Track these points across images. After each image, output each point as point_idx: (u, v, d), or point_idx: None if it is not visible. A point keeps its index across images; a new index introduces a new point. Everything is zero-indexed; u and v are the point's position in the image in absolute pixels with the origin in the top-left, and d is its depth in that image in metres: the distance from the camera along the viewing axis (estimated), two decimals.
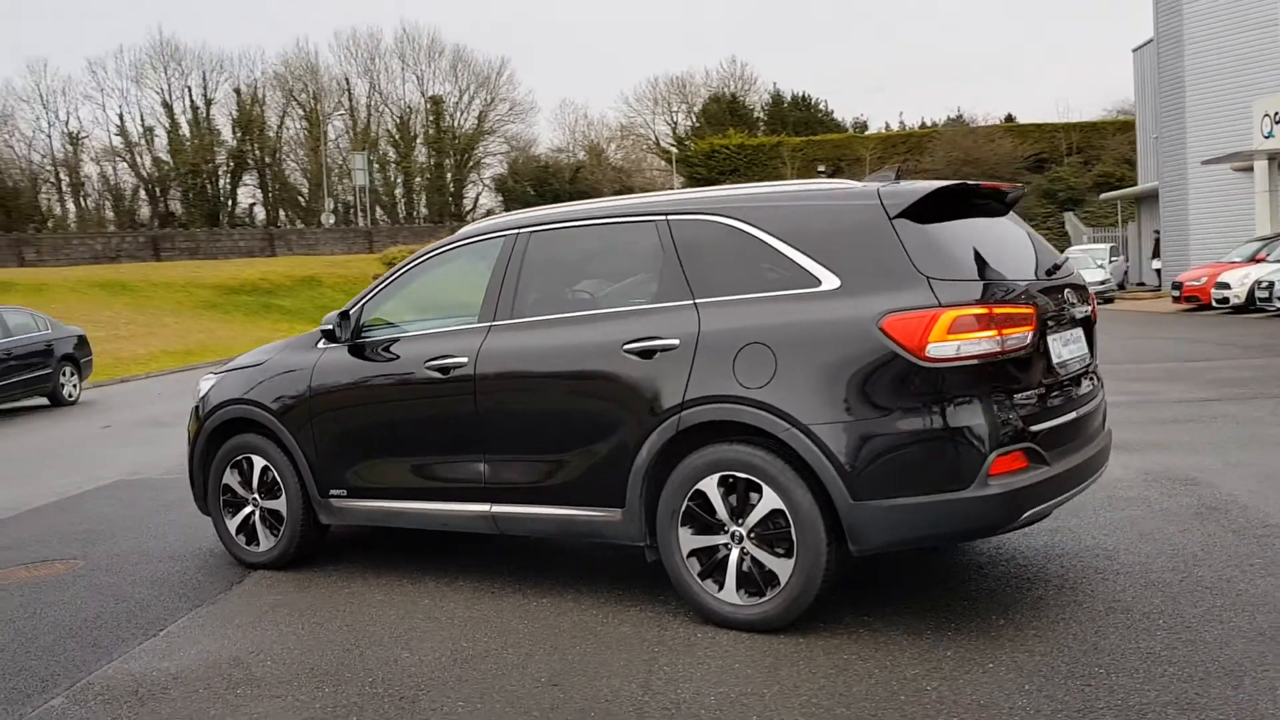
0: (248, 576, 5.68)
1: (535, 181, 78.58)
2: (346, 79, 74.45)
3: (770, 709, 3.56)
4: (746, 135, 70.61)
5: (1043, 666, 3.77)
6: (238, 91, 71.62)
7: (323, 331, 5.51)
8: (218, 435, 5.93)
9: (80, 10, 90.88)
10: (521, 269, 5.02)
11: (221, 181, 72.03)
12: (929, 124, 70.93)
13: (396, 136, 76.26)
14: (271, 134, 74.19)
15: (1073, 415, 4.42)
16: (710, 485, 4.34)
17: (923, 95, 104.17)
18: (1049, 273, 4.56)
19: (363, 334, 5.46)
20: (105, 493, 8.60)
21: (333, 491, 5.49)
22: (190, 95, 70.46)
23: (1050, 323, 4.35)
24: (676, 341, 4.43)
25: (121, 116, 75.70)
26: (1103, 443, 4.72)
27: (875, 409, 4.03)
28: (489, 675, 4.02)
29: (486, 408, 4.93)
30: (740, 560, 4.31)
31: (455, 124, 78.08)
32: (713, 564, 4.38)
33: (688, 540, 4.42)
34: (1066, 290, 4.57)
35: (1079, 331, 4.69)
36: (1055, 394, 4.32)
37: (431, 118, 77.03)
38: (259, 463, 5.75)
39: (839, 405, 4.08)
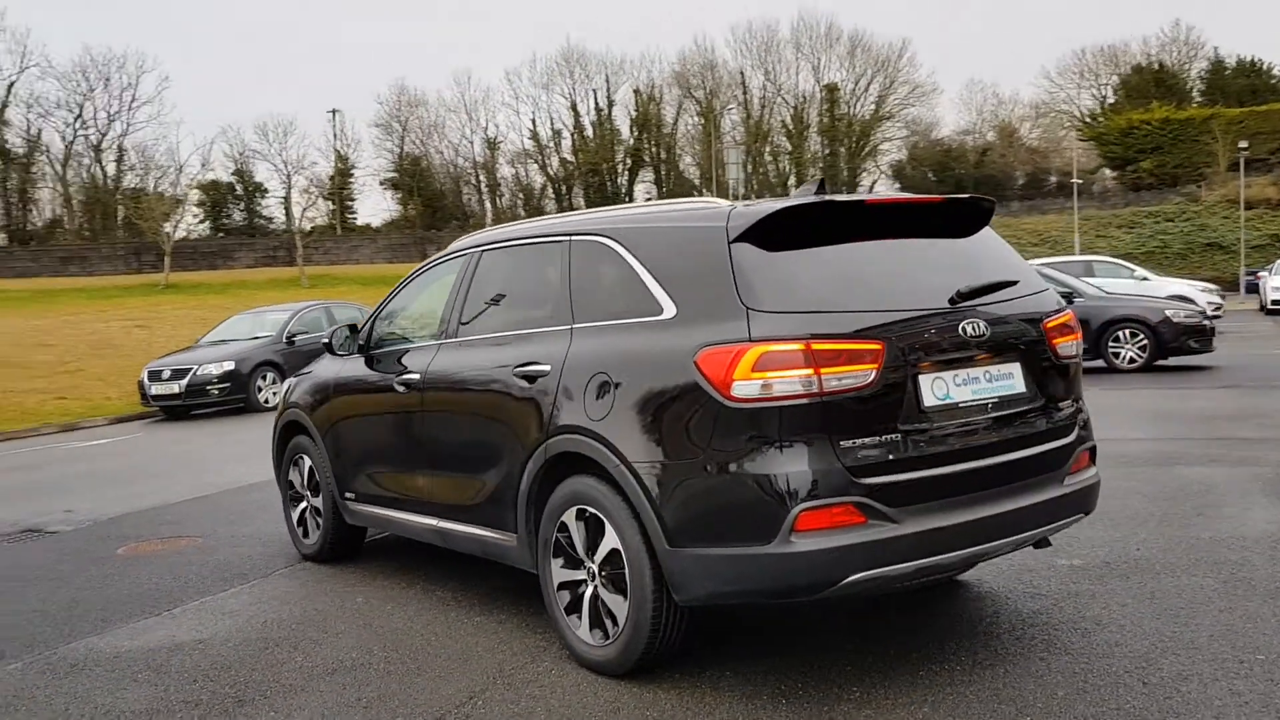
0: (302, 565, 6.38)
1: (936, 167, 76.46)
2: (741, 72, 76.89)
3: None
4: (1173, 108, 63.92)
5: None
6: (637, 92, 76.46)
7: (323, 343, 6.05)
8: (284, 434, 6.69)
9: (499, 26, 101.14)
10: (470, 287, 5.24)
11: (620, 178, 77.22)
12: None
13: (790, 127, 77.55)
14: (668, 130, 78.48)
15: (965, 466, 3.88)
16: (570, 518, 4.32)
17: None
18: (959, 299, 4.00)
19: (373, 346, 5.92)
20: None
21: (346, 494, 6.02)
22: (595, 98, 76.24)
23: (930, 359, 3.86)
24: (548, 368, 4.44)
25: (534, 121, 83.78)
26: (1043, 497, 4.07)
27: (689, 450, 3.82)
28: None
29: (428, 423, 5.21)
30: (594, 598, 4.26)
31: (851, 111, 77.90)
32: (575, 599, 4.36)
33: (557, 573, 4.42)
34: (982, 321, 3.99)
35: (1007, 368, 4.09)
36: (924, 441, 3.82)
37: (826, 106, 77.47)
38: (306, 462, 6.42)
39: (659, 444, 3.92)
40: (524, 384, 4.54)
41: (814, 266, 3.94)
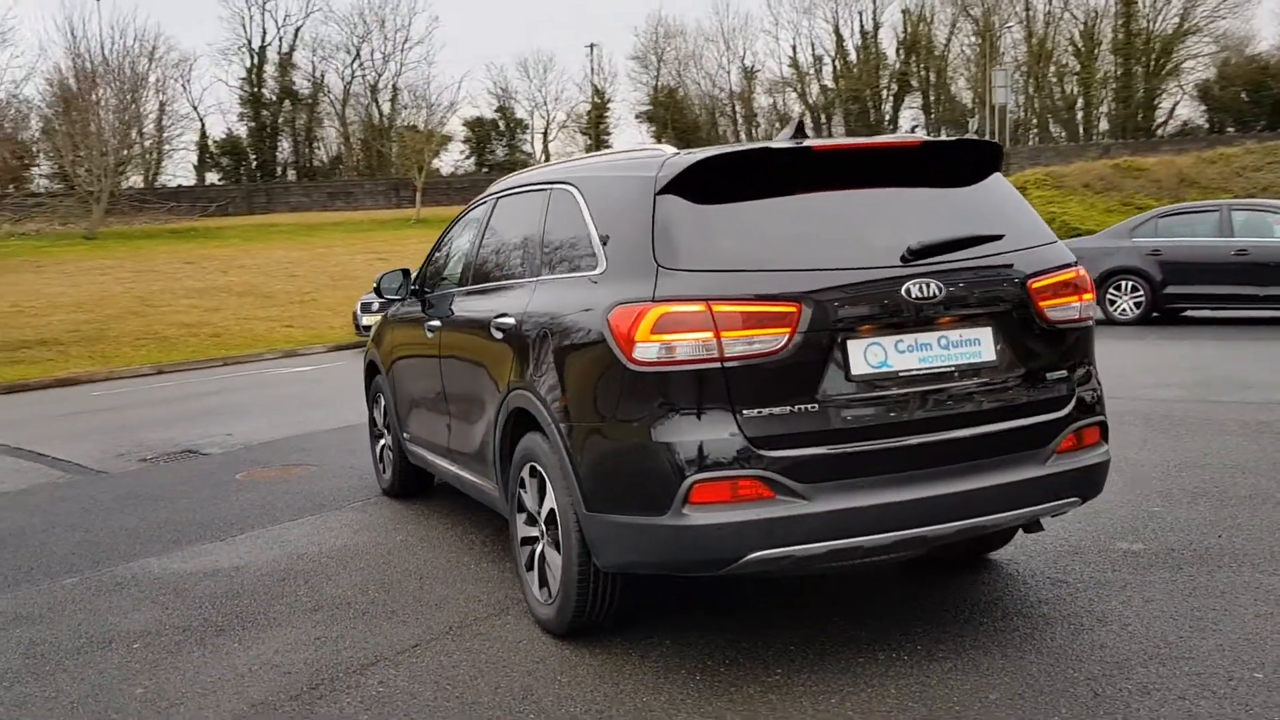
0: (376, 500, 6.75)
1: (1250, 86, 69.23)
2: None
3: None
4: None
5: None
6: (905, 12, 73.25)
7: (374, 286, 6.26)
8: (367, 373, 7.03)
9: None
10: (484, 234, 5.28)
11: (884, 105, 74.66)
12: None
13: (1079, 45, 72.19)
14: (938, 53, 74.91)
15: (900, 441, 3.57)
16: (526, 474, 4.33)
17: None
18: (912, 256, 3.65)
19: (425, 289, 6.07)
20: None
21: (405, 434, 6.28)
22: (860, 20, 73.83)
23: (866, 323, 3.56)
24: (513, 320, 4.44)
25: (794, 48, 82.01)
26: (1013, 478, 3.70)
27: (601, 413, 3.74)
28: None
29: (444, 369, 5.34)
30: (541, 556, 4.27)
31: (1150, 25, 71.51)
32: (531, 555, 4.38)
33: (520, 528, 4.46)
34: (935, 282, 3.62)
35: (973, 333, 3.71)
36: (849, 413, 3.54)
37: (1121, 21, 71.45)
38: (383, 400, 6.73)
39: (579, 405, 3.85)
40: (498, 335, 4.56)
41: (744, 221, 3.71)
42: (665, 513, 3.48)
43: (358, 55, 64.87)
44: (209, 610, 4.78)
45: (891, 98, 74.79)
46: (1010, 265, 3.82)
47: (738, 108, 75.51)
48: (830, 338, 3.53)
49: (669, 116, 70.93)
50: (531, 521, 4.34)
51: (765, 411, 3.48)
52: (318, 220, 45.88)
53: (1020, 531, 4.45)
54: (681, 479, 3.46)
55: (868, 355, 3.58)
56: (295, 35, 64.97)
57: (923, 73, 75.11)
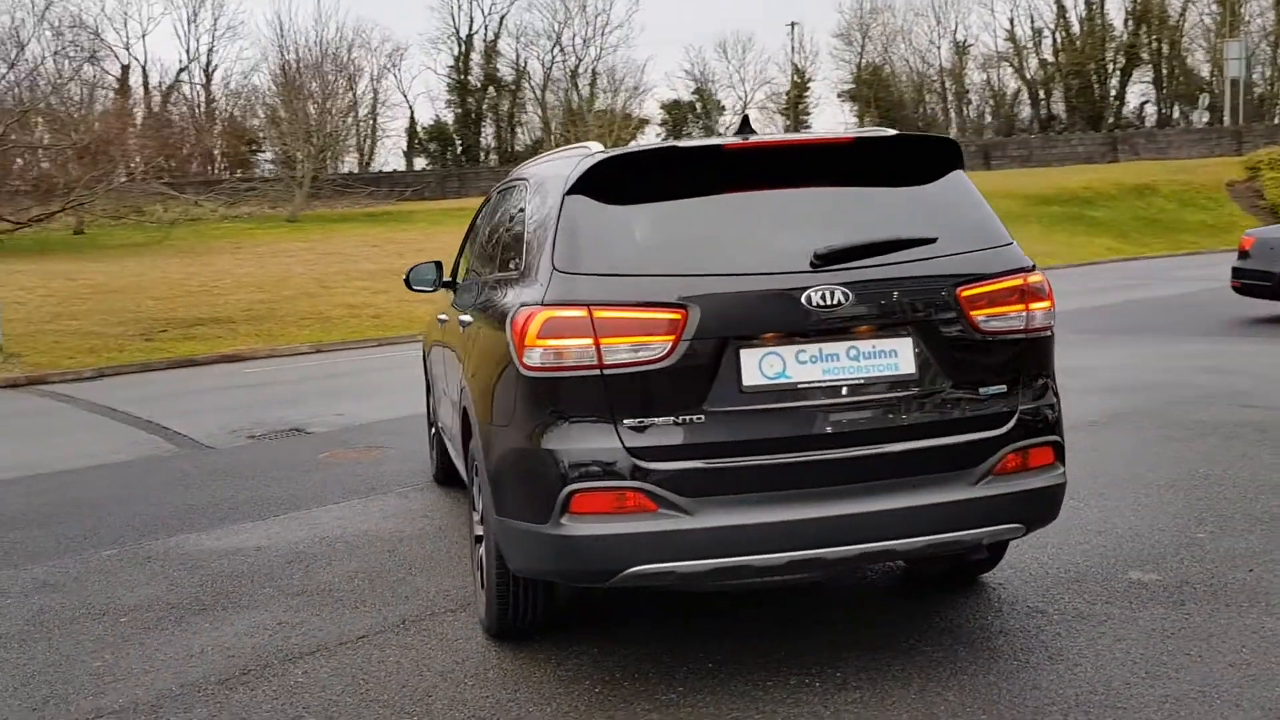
0: (428, 485, 6.96)
1: None
2: None
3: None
4: None
5: None
6: None
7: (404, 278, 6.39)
8: (423, 362, 7.24)
9: None
10: (478, 230, 5.35)
11: (1109, 79, 70.51)
12: None
13: None
14: (1173, 22, 70.11)
15: (796, 457, 3.40)
16: (474, 472, 4.37)
17: None
18: (820, 262, 3.46)
19: (453, 281, 6.17)
20: None
21: (439, 423, 6.44)
22: None
23: (761, 332, 3.41)
24: (469, 318, 4.49)
25: (1011, 20, 78.51)
26: (933, 500, 3.47)
27: (502, 416, 3.74)
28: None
29: (446, 363, 5.44)
30: (482, 556, 4.31)
31: None
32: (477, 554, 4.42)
33: (475, 525, 4.51)
34: (840, 289, 3.42)
35: (889, 344, 3.49)
36: (739, 425, 3.39)
37: None
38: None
39: (491, 407, 3.86)
40: (462, 331, 4.62)
41: (645, 223, 3.63)
42: (547, 521, 3.45)
43: (558, 41, 66.32)
44: (205, 589, 5.06)
45: (1118, 72, 70.51)
46: (939, 271, 3.57)
47: (948, 84, 72.97)
48: (720, 346, 3.40)
49: (873, 95, 69.27)
50: (482, 519, 4.39)
51: (648, 422, 3.39)
52: None
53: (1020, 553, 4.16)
54: (561, 488, 3.42)
55: (763, 365, 3.43)
56: (500, 23, 66.89)
57: (1154, 44, 70.42)
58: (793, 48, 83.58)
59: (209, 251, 27.12)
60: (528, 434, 3.52)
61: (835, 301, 3.42)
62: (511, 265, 4.20)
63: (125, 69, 54.95)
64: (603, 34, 68.80)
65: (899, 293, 3.52)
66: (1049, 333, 3.76)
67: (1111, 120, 66.59)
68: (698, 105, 70.71)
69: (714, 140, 3.72)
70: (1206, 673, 3.56)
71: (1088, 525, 5.20)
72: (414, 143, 64.74)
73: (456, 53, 65.13)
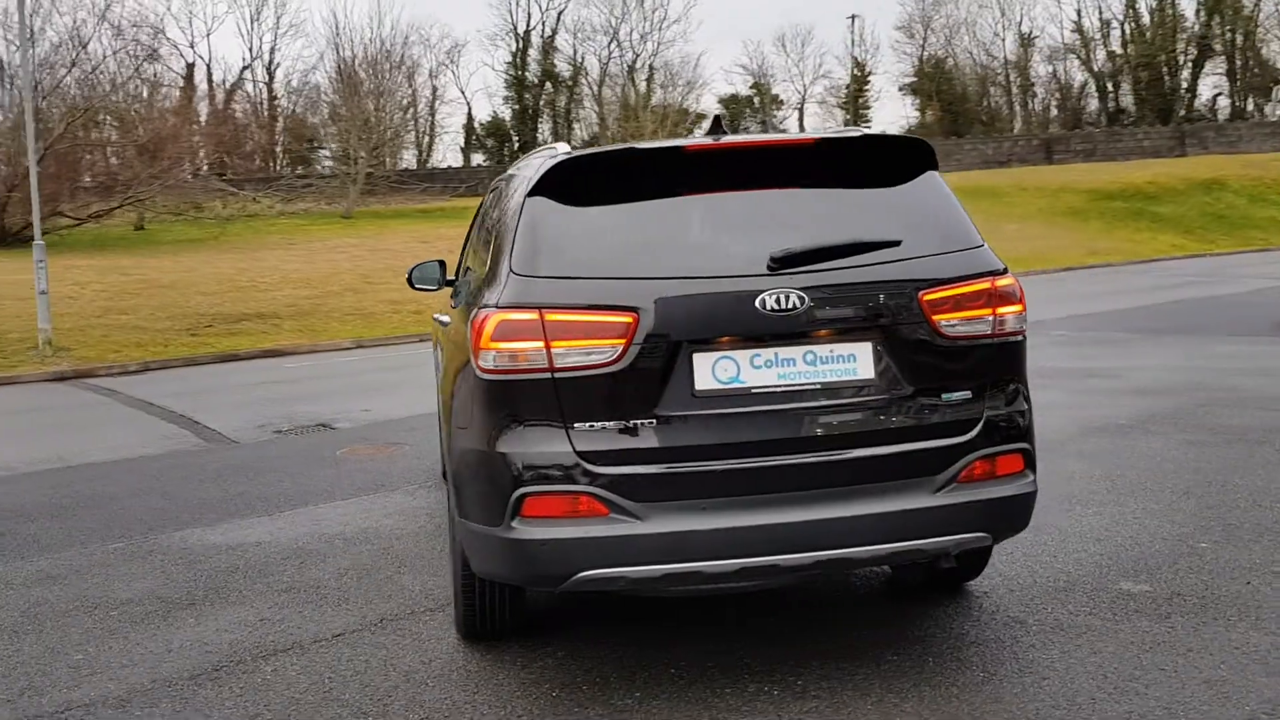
0: (437, 484, 7.01)
1: None
2: None
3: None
4: None
5: None
6: None
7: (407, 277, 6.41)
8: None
9: None
10: (475, 226, 5.36)
11: (1180, 71, 68.89)
12: None
13: None
14: (1247, 12, 68.30)
15: (749, 462, 3.36)
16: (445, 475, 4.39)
17: None
18: (776, 265, 3.41)
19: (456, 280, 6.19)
20: None
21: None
22: None
23: (716, 335, 3.38)
24: (448, 319, 4.50)
25: (1079, 12, 77.10)
26: (892, 507, 3.40)
27: (462, 418, 3.74)
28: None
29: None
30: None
31: None
32: None
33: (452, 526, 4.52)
34: (796, 293, 3.37)
35: (848, 348, 3.44)
36: (691, 430, 3.36)
37: None
38: None
39: (453, 408, 3.87)
40: (442, 332, 4.64)
41: (602, 225, 3.61)
42: (499, 524, 3.46)
43: (615, 36, 66.41)
44: (199, 583, 5.14)
45: (1189, 64, 68.86)
46: (901, 275, 3.51)
47: (1013, 77, 71.79)
48: (673, 350, 3.37)
49: (935, 88, 68.40)
50: None
51: (599, 425, 3.38)
52: None
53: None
54: (513, 491, 3.42)
55: (716, 370, 3.40)
56: (558, 19, 67.12)
57: (1227, 35, 68.68)
58: (853, 41, 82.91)
59: (261, 247, 27.57)
60: (484, 437, 3.52)
61: (790, 305, 3.38)
62: (487, 266, 4.20)
63: (190, 67, 56.07)
64: (660, 29, 68.70)
65: (859, 297, 3.47)
66: (1020, 337, 3.68)
67: (1182, 113, 65.05)
68: (755, 99, 70.40)
69: (675, 141, 3.69)
70: (1178, 689, 3.46)
71: (1087, 532, 5.09)
72: (471, 139, 65.27)
73: (514, 49, 65.55)
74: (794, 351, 3.42)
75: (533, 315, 3.39)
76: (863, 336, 3.46)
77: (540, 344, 3.37)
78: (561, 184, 3.61)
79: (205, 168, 34.22)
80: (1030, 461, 3.63)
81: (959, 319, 3.51)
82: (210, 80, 58.33)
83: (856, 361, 3.45)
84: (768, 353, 3.41)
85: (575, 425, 3.38)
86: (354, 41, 53.19)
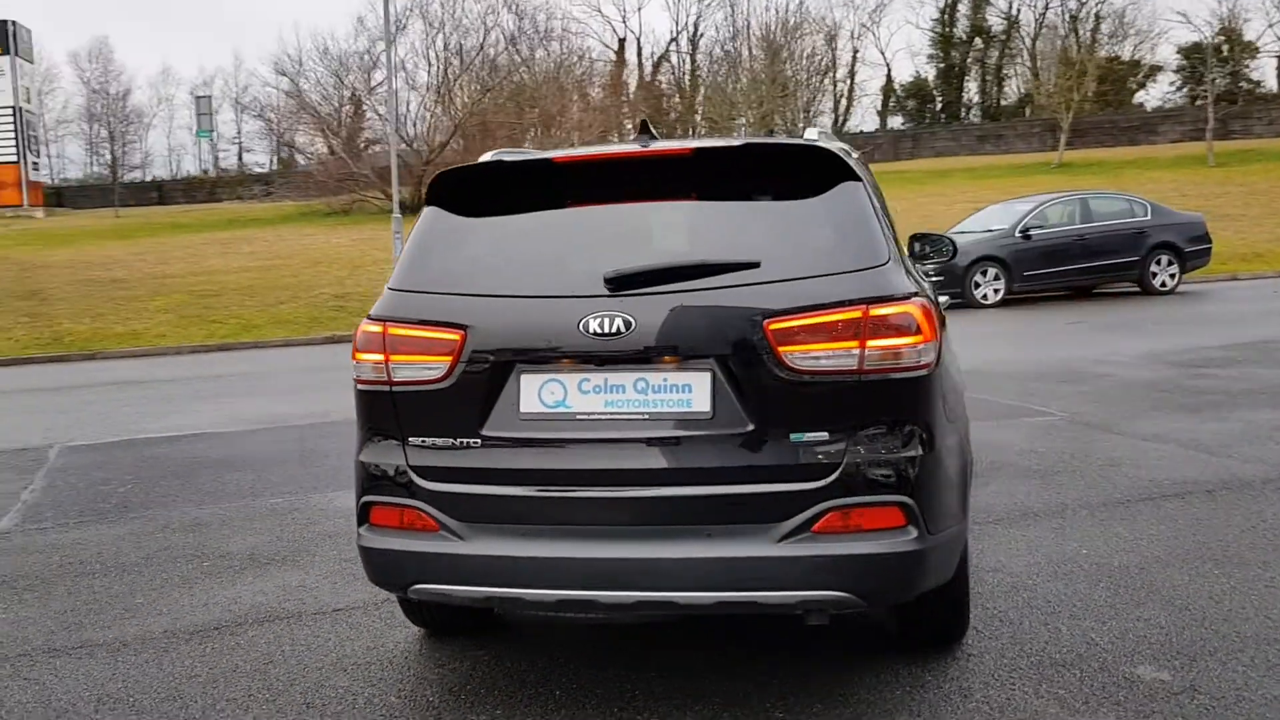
0: None
1: None
2: None
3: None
4: None
5: None
6: None
7: None
8: None
9: None
10: None
11: None
12: None
13: None
14: None
15: (569, 492, 3.26)
16: None
17: None
18: (614, 286, 3.23)
19: None
20: None
21: None
22: None
23: (543, 357, 3.28)
24: None
25: None
26: (724, 554, 3.14)
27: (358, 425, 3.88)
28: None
29: None
30: None
31: None
32: None
33: None
34: (623, 316, 3.19)
35: (685, 378, 3.21)
36: (514, 453, 3.30)
37: None
38: None
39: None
40: None
41: (460, 239, 3.65)
42: (359, 529, 3.61)
43: None
44: (291, 544, 5.71)
45: None
46: (747, 301, 3.20)
47: None
48: (501, 370, 3.34)
49: None
50: None
51: (429, 441, 3.43)
52: (949, 166, 45.02)
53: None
54: (361, 498, 3.56)
55: (543, 393, 3.31)
56: None
57: None
58: None
59: None
60: (357, 443, 3.68)
61: (615, 330, 3.21)
62: None
63: (622, 42, 59.67)
64: None
65: (696, 323, 3.22)
66: (921, 373, 3.21)
67: None
68: (1225, 48, 62.76)
69: (545, 154, 3.60)
70: None
71: (1124, 602, 4.33)
72: (888, 101, 64.01)
73: (942, 4, 63.28)
74: (625, 378, 3.26)
75: (379, 328, 3.50)
76: (701, 366, 3.21)
77: (381, 357, 3.47)
78: (443, 196, 3.67)
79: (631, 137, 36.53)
80: (913, 517, 3.17)
81: (812, 351, 3.14)
82: (640, 53, 61.82)
83: (692, 392, 3.22)
84: (597, 378, 3.28)
85: (410, 439, 3.45)
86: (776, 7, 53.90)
